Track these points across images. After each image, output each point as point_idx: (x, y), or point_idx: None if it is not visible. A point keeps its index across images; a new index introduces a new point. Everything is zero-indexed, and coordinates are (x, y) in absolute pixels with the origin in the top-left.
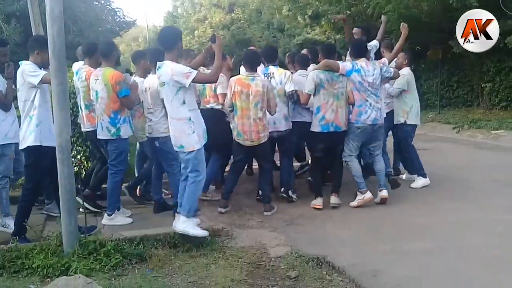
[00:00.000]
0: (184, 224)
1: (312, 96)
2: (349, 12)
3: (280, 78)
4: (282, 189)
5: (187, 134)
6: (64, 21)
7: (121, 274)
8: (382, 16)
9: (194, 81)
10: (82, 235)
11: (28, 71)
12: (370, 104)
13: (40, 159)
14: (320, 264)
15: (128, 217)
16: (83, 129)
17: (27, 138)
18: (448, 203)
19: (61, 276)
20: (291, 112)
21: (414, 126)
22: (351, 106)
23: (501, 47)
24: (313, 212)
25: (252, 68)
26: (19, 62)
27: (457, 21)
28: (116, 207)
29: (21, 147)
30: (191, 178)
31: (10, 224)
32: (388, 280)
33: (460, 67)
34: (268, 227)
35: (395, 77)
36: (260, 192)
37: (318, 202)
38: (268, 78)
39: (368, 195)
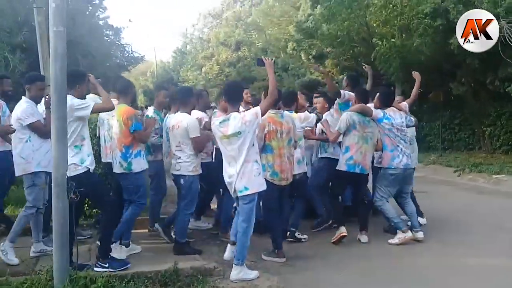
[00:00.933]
0: (241, 273)
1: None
2: (350, 53)
3: (296, 123)
4: (289, 233)
5: (253, 176)
6: (74, 55)
7: None
8: (367, 67)
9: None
10: (73, 270)
11: (77, 105)
12: (401, 149)
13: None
14: None
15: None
16: (103, 160)
17: (78, 167)
18: (445, 247)
19: None
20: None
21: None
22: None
23: (501, 93)
24: (308, 253)
25: (276, 105)
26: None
27: (457, 65)
28: (119, 238)
29: (71, 175)
30: (243, 228)
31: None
32: None
33: (461, 110)
34: (261, 267)
35: (415, 125)
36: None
37: (343, 230)
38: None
39: (410, 234)
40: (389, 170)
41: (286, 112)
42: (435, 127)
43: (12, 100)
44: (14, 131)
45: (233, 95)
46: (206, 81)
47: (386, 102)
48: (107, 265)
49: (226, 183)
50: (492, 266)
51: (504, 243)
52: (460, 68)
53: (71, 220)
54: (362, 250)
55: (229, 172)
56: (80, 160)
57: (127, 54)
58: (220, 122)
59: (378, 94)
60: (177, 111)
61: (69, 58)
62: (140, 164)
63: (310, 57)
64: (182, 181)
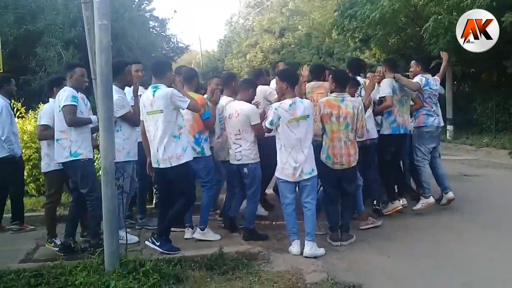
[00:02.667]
0: (313, 249)
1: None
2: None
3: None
4: (375, 201)
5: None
6: (120, 48)
7: None
8: (443, 53)
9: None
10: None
11: (177, 96)
12: (434, 111)
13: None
14: None
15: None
16: None
17: (182, 155)
18: (493, 233)
19: None
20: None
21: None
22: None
23: None
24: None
25: (341, 88)
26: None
27: (511, 42)
28: (207, 222)
29: (174, 164)
30: (313, 205)
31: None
32: None
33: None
34: None
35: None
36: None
37: (397, 204)
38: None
39: (432, 199)
40: (425, 128)
41: (349, 97)
42: (488, 108)
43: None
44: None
45: (291, 79)
46: (250, 68)
47: (427, 67)
48: (158, 243)
49: (290, 169)
50: None
51: None
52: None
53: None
54: (408, 235)
55: (296, 157)
56: (182, 149)
57: (173, 44)
58: (289, 105)
59: (419, 59)
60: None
61: (115, 51)
62: (209, 148)
63: (356, 40)
64: (245, 169)
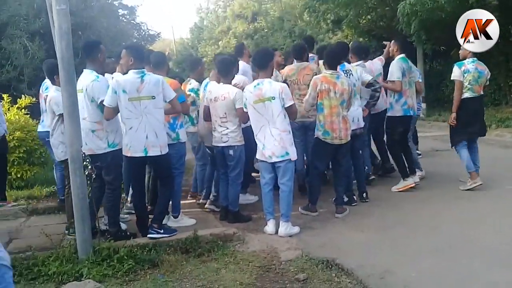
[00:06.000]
0: (287, 229)
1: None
2: (369, 17)
3: (358, 74)
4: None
5: (290, 144)
6: (88, 37)
7: (133, 279)
8: (386, 43)
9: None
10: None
11: (167, 84)
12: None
13: None
14: (330, 266)
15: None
16: None
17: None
18: (462, 202)
19: (72, 282)
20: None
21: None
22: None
23: None
24: (326, 216)
25: (334, 67)
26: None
27: None
28: (179, 209)
29: (164, 152)
30: (288, 186)
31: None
32: (396, 281)
33: (486, 65)
34: None
35: None
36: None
37: (409, 182)
38: (346, 75)
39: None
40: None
41: (343, 75)
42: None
43: None
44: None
45: (257, 62)
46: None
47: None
48: (162, 231)
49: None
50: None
51: None
52: None
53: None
54: (382, 210)
55: (263, 138)
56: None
57: (144, 32)
58: (254, 86)
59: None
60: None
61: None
62: (184, 134)
63: (328, 22)
64: (231, 151)
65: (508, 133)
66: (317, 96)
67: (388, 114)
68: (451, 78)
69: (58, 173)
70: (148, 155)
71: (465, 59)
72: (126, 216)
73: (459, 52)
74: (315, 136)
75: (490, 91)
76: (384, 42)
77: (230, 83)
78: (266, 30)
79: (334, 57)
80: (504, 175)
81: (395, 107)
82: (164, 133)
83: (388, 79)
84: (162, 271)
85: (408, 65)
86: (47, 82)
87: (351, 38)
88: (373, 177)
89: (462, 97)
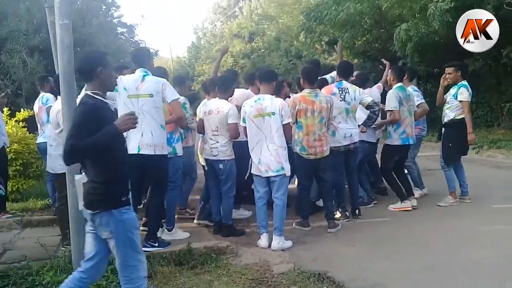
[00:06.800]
0: (280, 243)
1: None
2: (365, 39)
3: (355, 94)
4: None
5: (286, 160)
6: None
7: None
8: (385, 61)
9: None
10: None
11: (170, 86)
12: None
13: None
14: (321, 279)
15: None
16: None
17: (165, 147)
18: (452, 219)
19: None
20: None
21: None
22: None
23: None
24: (319, 231)
25: (312, 84)
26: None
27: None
28: (174, 222)
29: (158, 153)
30: (282, 201)
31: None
32: None
33: (478, 87)
34: None
35: None
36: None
37: (407, 204)
38: (342, 92)
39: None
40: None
41: (322, 93)
42: None
43: None
44: None
45: (261, 76)
46: (221, 73)
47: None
48: (156, 244)
49: (256, 163)
50: (500, 234)
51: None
52: None
53: None
54: (374, 225)
55: (259, 152)
56: (165, 142)
57: None
58: (255, 101)
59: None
60: (215, 97)
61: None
62: (180, 148)
63: (322, 43)
64: (221, 165)
65: (499, 154)
66: (296, 115)
67: (386, 142)
68: (462, 100)
69: (51, 186)
70: (140, 152)
71: (456, 83)
72: None
73: (447, 76)
74: (294, 151)
75: (482, 112)
76: (384, 61)
77: (227, 99)
78: (262, 50)
79: (308, 72)
80: (493, 195)
81: (393, 136)
82: (162, 134)
83: (385, 109)
84: (156, 282)
85: (405, 94)
86: (46, 95)
87: (347, 58)
88: (384, 185)
89: (460, 118)
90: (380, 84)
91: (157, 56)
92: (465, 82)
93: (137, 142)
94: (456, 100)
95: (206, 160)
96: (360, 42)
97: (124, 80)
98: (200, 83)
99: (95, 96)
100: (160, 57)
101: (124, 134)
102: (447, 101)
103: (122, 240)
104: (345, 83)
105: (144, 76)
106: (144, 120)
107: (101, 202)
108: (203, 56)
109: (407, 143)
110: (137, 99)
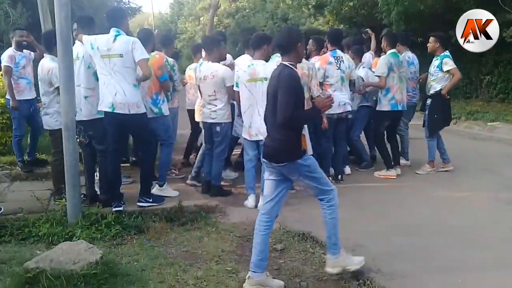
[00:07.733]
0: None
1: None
2: (351, 4)
3: (349, 63)
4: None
5: None
6: (72, 8)
7: (121, 243)
8: (369, 32)
9: None
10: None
11: (139, 45)
12: None
13: None
14: (305, 238)
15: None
16: None
17: (141, 106)
18: (432, 186)
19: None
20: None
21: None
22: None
23: (499, 40)
24: (304, 194)
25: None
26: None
27: (456, 13)
28: (165, 178)
29: (133, 112)
30: None
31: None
32: (366, 254)
33: (460, 59)
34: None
35: None
36: None
37: (392, 173)
38: (337, 61)
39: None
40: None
41: (305, 61)
42: None
43: None
44: None
45: (251, 41)
46: (204, 32)
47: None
48: (150, 200)
49: (246, 127)
50: (477, 203)
51: (487, 182)
52: (458, 16)
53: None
54: (359, 191)
55: (251, 116)
56: (140, 100)
57: (124, 5)
58: (248, 66)
59: (388, 36)
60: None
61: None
62: (166, 108)
63: (309, 6)
64: (218, 128)
65: (476, 125)
66: None
67: (377, 108)
68: (451, 68)
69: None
70: (115, 111)
71: (433, 53)
72: (126, 180)
73: (428, 45)
74: None
75: (462, 84)
76: (369, 32)
77: (218, 61)
78: (248, 10)
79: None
80: (468, 165)
81: (382, 102)
82: (135, 93)
83: (375, 74)
84: (148, 237)
85: (397, 60)
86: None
87: (332, 24)
88: (374, 153)
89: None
90: (371, 51)
91: (140, 12)
92: (447, 53)
93: (110, 101)
94: (441, 72)
95: (204, 123)
96: (346, 7)
97: (97, 39)
98: (183, 41)
99: (291, 66)
100: (142, 12)
101: (100, 93)
102: (431, 72)
103: (309, 178)
104: (339, 52)
105: (116, 36)
106: (116, 79)
107: (290, 155)
108: (186, 13)
109: (395, 109)
110: (109, 59)
